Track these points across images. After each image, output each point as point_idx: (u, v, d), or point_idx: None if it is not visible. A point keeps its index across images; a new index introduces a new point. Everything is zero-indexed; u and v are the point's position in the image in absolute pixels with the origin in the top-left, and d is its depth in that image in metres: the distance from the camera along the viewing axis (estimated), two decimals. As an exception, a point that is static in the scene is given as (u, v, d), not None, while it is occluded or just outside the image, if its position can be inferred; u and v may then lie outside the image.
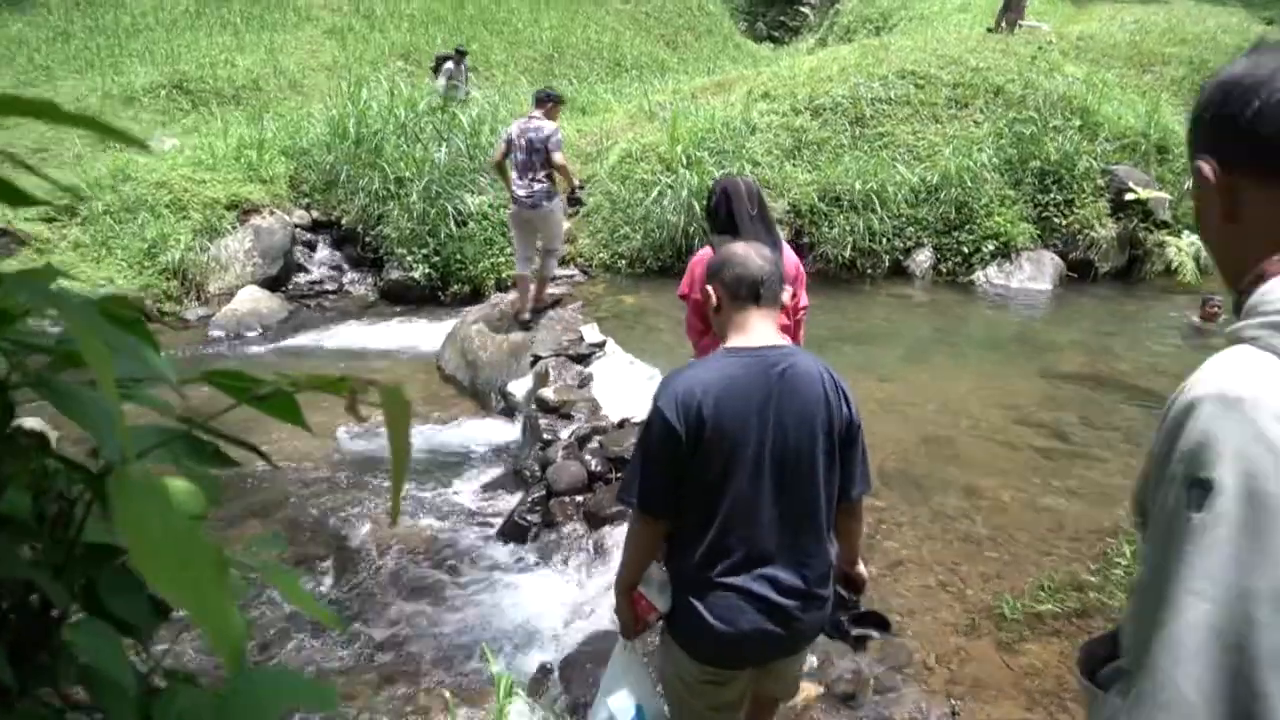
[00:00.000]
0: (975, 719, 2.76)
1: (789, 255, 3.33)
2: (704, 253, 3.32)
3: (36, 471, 0.55)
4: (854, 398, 2.03)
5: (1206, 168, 0.96)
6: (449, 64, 12.67)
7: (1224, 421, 0.83)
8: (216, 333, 8.08)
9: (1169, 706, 0.81)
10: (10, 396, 0.55)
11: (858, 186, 8.85)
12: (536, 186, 6.47)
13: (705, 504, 1.97)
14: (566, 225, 9.14)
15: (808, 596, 2.00)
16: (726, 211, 3.27)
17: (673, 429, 1.92)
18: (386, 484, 5.19)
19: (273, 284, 9.14)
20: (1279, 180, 0.91)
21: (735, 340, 2.02)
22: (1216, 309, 6.97)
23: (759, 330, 2.00)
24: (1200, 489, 0.83)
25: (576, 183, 6.91)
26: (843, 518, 2.11)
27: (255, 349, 7.80)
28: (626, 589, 2.13)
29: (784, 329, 3.22)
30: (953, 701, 2.85)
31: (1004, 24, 12.57)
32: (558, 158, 6.38)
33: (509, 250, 8.56)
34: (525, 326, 6.88)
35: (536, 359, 6.23)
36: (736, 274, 2.01)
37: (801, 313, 3.34)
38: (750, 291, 2.00)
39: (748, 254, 2.04)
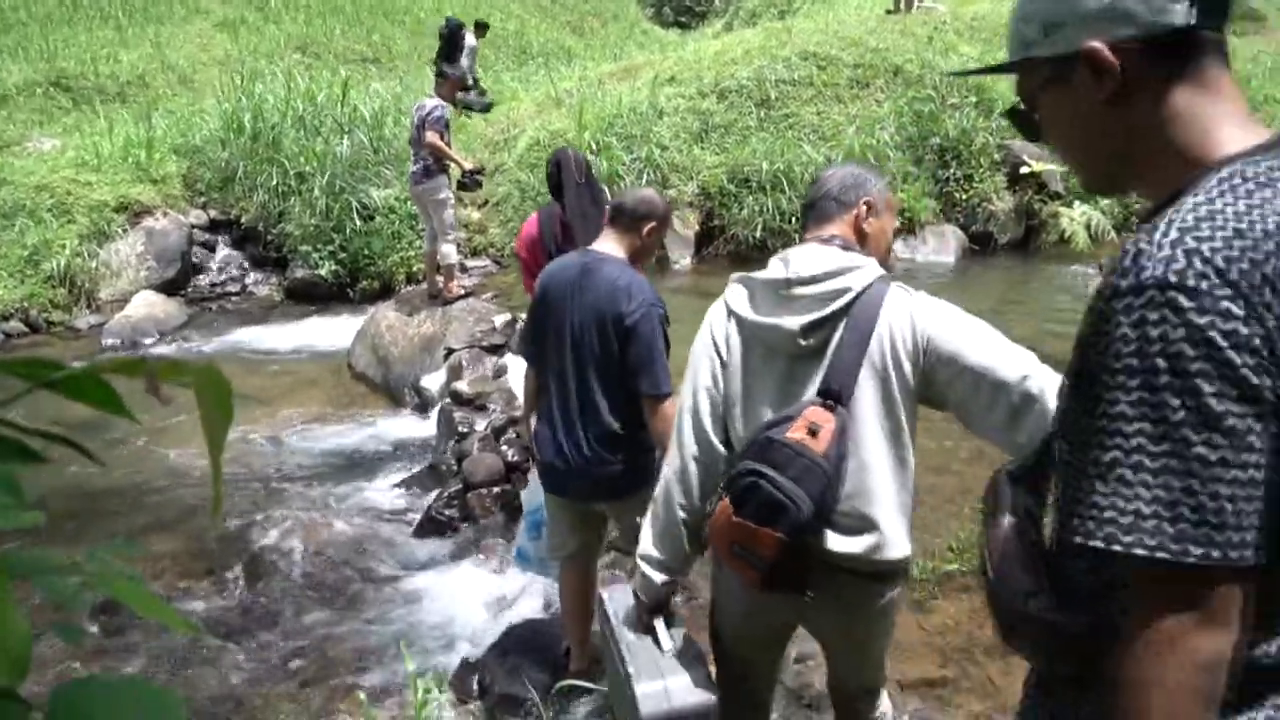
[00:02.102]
0: (890, 678, 2.82)
1: None
2: (532, 217, 3.94)
3: None
4: (639, 305, 2.45)
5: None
6: (470, 39, 11.62)
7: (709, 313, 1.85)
8: (110, 341, 7.69)
9: (674, 440, 1.85)
10: None
11: (765, 167, 8.94)
12: (416, 165, 6.60)
13: (545, 361, 2.66)
14: (475, 215, 9.01)
15: (587, 449, 2.56)
16: (557, 180, 3.80)
17: (534, 294, 2.71)
18: (298, 488, 5.03)
19: (170, 288, 8.74)
20: None
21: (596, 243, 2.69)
22: None
23: (605, 240, 2.64)
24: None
25: (467, 165, 6.75)
26: (648, 414, 2.49)
27: (153, 356, 7.45)
28: (524, 419, 3.04)
29: None
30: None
31: (902, 5, 12.85)
32: (428, 135, 6.40)
33: (418, 243, 8.41)
34: (435, 298, 6.96)
35: (450, 352, 6.13)
36: (609, 202, 2.77)
37: None
38: (610, 213, 2.66)
39: (627, 191, 2.78)
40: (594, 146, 9.09)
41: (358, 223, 8.68)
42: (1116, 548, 0.83)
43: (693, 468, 1.79)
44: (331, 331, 7.72)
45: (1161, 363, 0.80)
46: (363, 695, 2.72)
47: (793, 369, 1.71)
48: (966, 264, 8.85)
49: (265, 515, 4.70)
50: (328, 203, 8.75)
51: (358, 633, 3.70)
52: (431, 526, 4.45)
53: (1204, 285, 0.79)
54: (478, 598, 3.89)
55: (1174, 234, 0.82)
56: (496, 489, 4.47)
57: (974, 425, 1.65)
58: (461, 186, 6.90)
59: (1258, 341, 0.78)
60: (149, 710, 0.60)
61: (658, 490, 1.86)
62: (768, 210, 8.74)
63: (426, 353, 6.39)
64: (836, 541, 1.66)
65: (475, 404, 5.33)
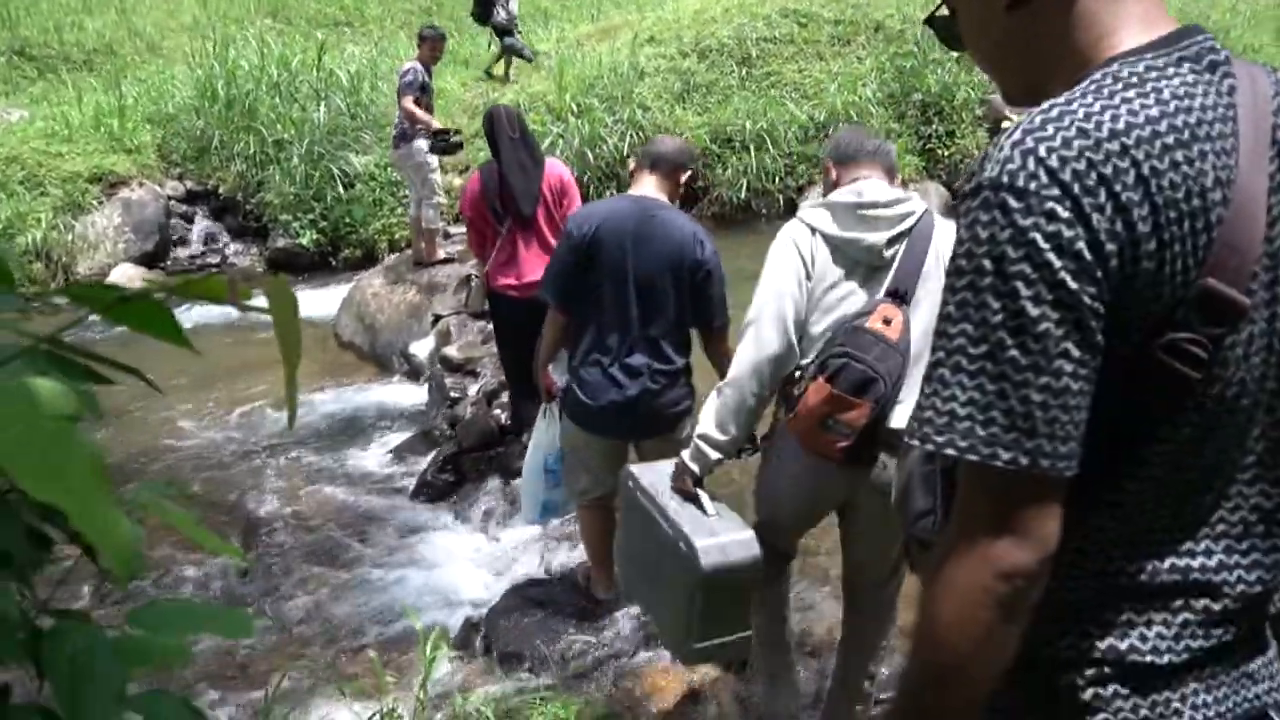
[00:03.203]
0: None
1: (554, 169, 3.95)
2: (474, 175, 4.03)
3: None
4: (712, 252, 2.69)
5: None
6: None
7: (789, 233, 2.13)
8: (92, 315, 7.58)
9: (752, 339, 2.06)
10: None
11: (748, 127, 8.90)
12: (394, 129, 6.59)
13: (591, 304, 2.72)
14: (456, 180, 8.91)
15: (651, 385, 2.71)
16: (491, 135, 3.89)
17: (573, 239, 2.70)
18: (292, 457, 5.03)
19: (149, 260, 8.61)
20: None
21: (631, 191, 2.81)
22: None
23: (647, 187, 2.76)
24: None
25: (435, 125, 6.52)
26: (711, 343, 2.77)
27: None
28: (542, 366, 3.04)
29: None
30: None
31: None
32: (402, 100, 6.36)
33: (400, 210, 8.33)
34: (420, 265, 6.95)
35: (437, 318, 6.11)
36: (644, 149, 2.87)
37: None
38: (648, 161, 2.78)
39: (662, 139, 2.97)
40: (575, 108, 9.00)
41: (340, 190, 8.58)
42: (929, 446, 0.82)
43: (770, 364, 2.04)
44: (316, 301, 7.65)
45: (986, 264, 0.78)
46: (372, 653, 2.76)
47: (869, 277, 2.06)
48: (949, 220, 8.88)
49: (260, 484, 4.71)
50: (307, 171, 8.63)
51: (358, 596, 3.73)
52: (427, 491, 4.47)
53: (1032, 186, 0.76)
54: (475, 559, 3.93)
55: (1018, 135, 0.79)
56: (490, 452, 4.49)
57: None
58: (434, 150, 6.65)
59: (1081, 245, 0.76)
60: (221, 626, 0.62)
61: (731, 380, 2.09)
62: (752, 170, 8.71)
63: (414, 319, 6.37)
64: (899, 418, 1.93)
65: (466, 369, 5.33)
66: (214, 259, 9.13)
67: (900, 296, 2.00)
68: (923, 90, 9.34)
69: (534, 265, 3.72)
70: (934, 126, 9.33)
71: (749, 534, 2.07)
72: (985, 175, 0.80)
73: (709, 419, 2.12)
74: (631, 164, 2.94)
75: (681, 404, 2.82)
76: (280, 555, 4.10)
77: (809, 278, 2.05)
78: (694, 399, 2.80)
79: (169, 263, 8.88)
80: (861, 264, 2.05)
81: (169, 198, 9.16)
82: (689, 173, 2.85)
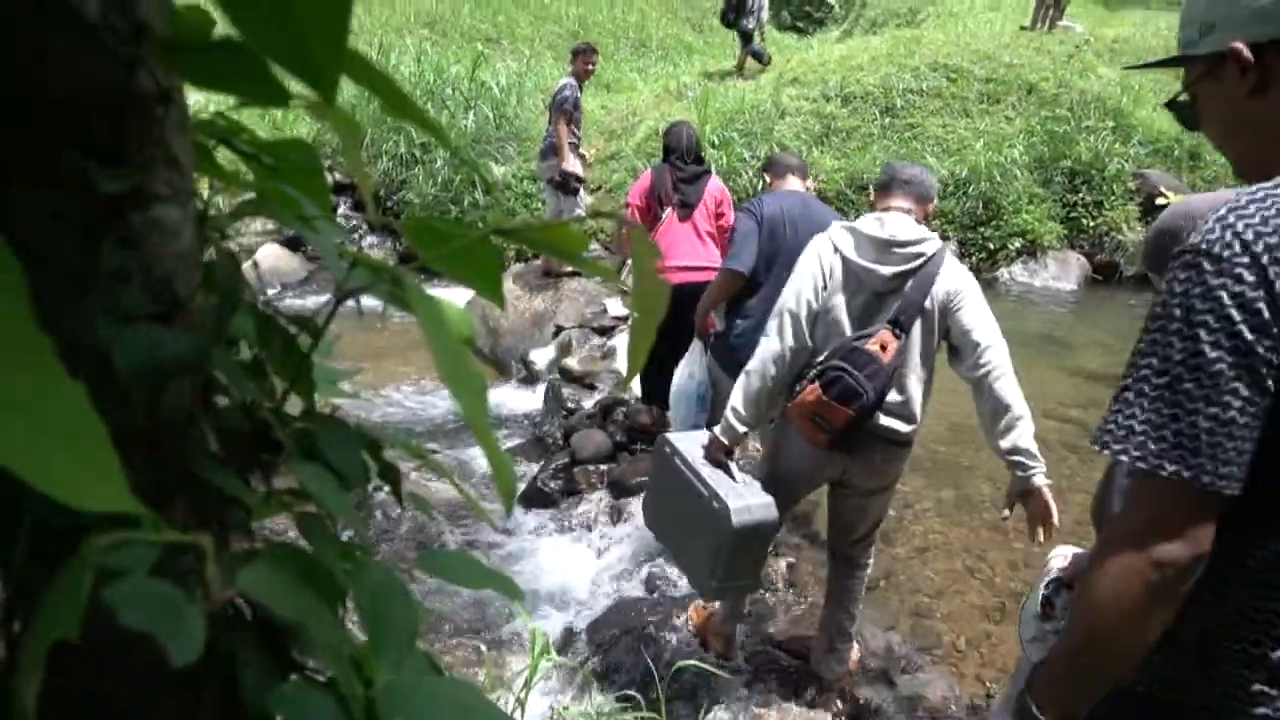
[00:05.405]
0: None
1: (714, 183, 4.59)
2: (647, 172, 4.71)
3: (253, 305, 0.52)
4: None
5: None
6: None
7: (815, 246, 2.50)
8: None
9: (775, 331, 2.45)
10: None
11: (886, 176, 8.76)
12: (543, 142, 6.82)
13: (759, 271, 3.42)
14: (588, 199, 9.08)
15: None
16: (669, 145, 4.63)
17: (762, 218, 3.42)
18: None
19: (293, 243, 9.07)
20: None
21: (784, 188, 3.62)
22: None
23: (795, 184, 3.63)
24: None
25: (566, 166, 6.50)
26: None
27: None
28: (705, 311, 3.62)
29: (714, 240, 4.54)
30: (988, 685, 2.83)
31: (1039, 23, 12.43)
32: (556, 121, 6.52)
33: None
34: (549, 275, 7.06)
35: (559, 329, 6.20)
36: (779, 161, 3.78)
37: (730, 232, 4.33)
38: (786, 169, 3.68)
39: (785, 154, 3.98)
40: (715, 140, 9.06)
41: (479, 196, 8.85)
42: (1107, 452, 1.00)
43: (788, 355, 2.42)
44: (443, 297, 7.88)
45: (1177, 312, 0.95)
46: (483, 648, 2.77)
47: (871, 300, 2.40)
48: (1087, 293, 8.52)
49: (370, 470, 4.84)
50: (449, 174, 8.95)
51: (462, 592, 3.77)
52: (536, 496, 4.50)
53: (1226, 253, 0.92)
54: (580, 569, 3.92)
55: (1223, 211, 0.95)
56: (603, 466, 4.50)
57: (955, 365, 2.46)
58: (551, 183, 6.73)
59: (1261, 305, 0.91)
60: (499, 585, 0.61)
61: (754, 366, 2.46)
62: (884, 219, 8.55)
63: (536, 328, 6.48)
64: (884, 420, 2.41)
65: (584, 382, 5.38)
66: (350, 248, 9.53)
67: (900, 326, 2.33)
68: (1073, 158, 9.02)
69: (685, 251, 4.35)
70: (1081, 195, 8.99)
71: (770, 499, 2.46)
72: (1190, 243, 0.97)
73: (737, 399, 2.48)
74: (769, 176, 3.75)
75: None
76: (387, 548, 4.18)
77: (825, 288, 2.41)
78: None
79: (308, 248, 9.32)
80: (866, 286, 2.39)
81: (317, 187, 9.64)
82: (810, 178, 3.78)
